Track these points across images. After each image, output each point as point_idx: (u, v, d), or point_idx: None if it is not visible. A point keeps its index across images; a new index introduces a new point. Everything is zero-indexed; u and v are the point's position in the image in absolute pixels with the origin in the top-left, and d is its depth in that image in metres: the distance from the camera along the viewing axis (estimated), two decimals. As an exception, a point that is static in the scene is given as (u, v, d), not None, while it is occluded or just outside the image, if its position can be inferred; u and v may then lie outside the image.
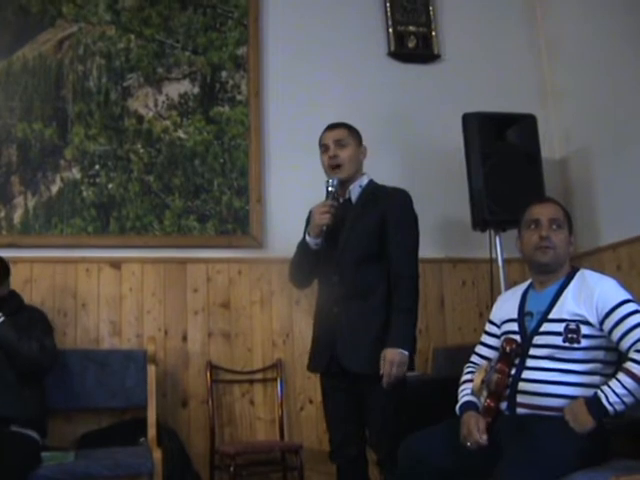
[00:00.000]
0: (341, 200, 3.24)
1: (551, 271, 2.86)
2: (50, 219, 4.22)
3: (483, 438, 2.63)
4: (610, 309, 2.62)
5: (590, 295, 2.69)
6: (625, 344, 2.57)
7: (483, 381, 2.78)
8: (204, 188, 4.46)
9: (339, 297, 3.16)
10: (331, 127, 3.35)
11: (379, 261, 3.19)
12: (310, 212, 3.42)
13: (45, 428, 3.52)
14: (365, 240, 3.19)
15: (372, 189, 3.31)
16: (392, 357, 3.01)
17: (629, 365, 2.51)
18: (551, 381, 2.66)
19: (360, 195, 3.29)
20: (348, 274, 3.17)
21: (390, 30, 4.93)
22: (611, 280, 2.75)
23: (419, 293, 3.20)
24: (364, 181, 3.32)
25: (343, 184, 3.26)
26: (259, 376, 4.35)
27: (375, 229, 3.19)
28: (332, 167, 3.25)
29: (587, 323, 2.66)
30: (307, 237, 3.21)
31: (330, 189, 3.19)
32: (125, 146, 4.39)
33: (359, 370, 3.09)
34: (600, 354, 2.67)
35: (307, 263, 3.31)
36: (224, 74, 4.62)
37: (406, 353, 3.04)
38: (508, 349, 2.77)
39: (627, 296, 2.66)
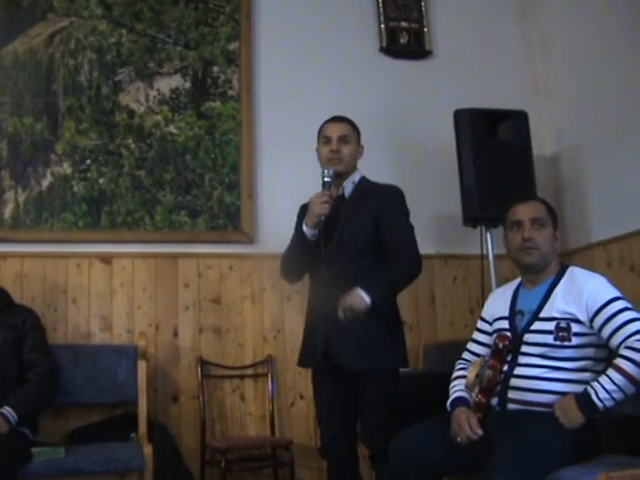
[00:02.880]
0: (334, 196, 3.21)
1: (539, 270, 2.87)
2: (41, 214, 4.20)
3: (478, 432, 2.65)
4: (600, 306, 2.64)
5: (580, 293, 2.70)
6: (615, 341, 2.58)
7: (477, 376, 2.79)
8: (195, 183, 4.45)
9: (333, 293, 3.12)
10: (336, 120, 3.34)
11: (373, 258, 3.19)
12: (301, 207, 3.42)
13: (37, 425, 3.52)
14: (360, 237, 3.19)
15: (364, 185, 3.32)
16: (357, 301, 2.97)
17: (619, 361, 2.53)
18: (542, 377, 2.68)
19: (353, 191, 3.29)
20: (343, 270, 3.16)
21: (382, 26, 4.92)
22: (600, 277, 2.77)
23: (410, 281, 3.23)
24: (356, 177, 3.32)
25: (337, 179, 3.24)
26: (250, 372, 4.35)
27: (370, 226, 3.19)
28: (331, 160, 3.24)
29: (577, 321, 2.68)
30: (304, 227, 3.18)
31: (326, 179, 3.17)
32: (116, 141, 4.38)
33: (354, 367, 3.08)
34: (590, 351, 2.69)
35: (302, 255, 3.28)
36: (216, 69, 4.61)
37: (369, 303, 2.98)
38: (501, 345, 2.78)
39: (616, 293, 2.68)
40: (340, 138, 3.27)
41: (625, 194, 4.19)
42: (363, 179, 3.34)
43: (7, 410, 3.24)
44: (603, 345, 2.68)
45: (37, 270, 4.14)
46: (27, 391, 3.42)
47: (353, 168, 3.32)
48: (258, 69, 4.68)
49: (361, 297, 2.98)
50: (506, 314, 2.89)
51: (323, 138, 3.31)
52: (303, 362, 3.37)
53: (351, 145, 3.29)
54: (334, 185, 3.23)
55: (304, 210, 3.33)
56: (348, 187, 3.29)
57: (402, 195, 3.30)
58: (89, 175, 4.31)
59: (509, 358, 2.79)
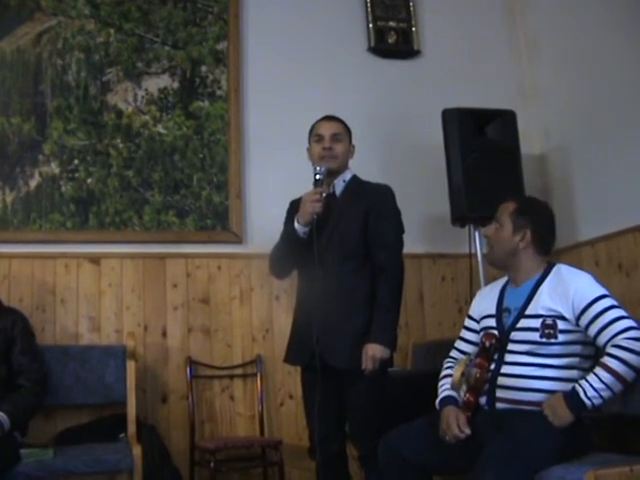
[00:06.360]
0: (324, 194, 3.19)
1: (502, 267, 2.95)
2: (29, 214, 4.19)
3: (466, 431, 2.65)
4: (586, 305, 2.64)
5: (566, 291, 2.71)
6: (602, 339, 2.59)
7: (463, 374, 2.80)
8: (184, 183, 4.44)
9: (322, 292, 3.14)
10: (328, 118, 3.35)
11: (363, 257, 3.19)
12: (290, 203, 3.42)
13: (26, 426, 3.51)
14: (350, 236, 3.19)
15: (355, 184, 3.32)
16: (373, 352, 3.02)
17: (606, 360, 2.54)
18: (530, 376, 2.68)
19: (344, 190, 3.30)
20: (332, 269, 3.16)
21: (370, 25, 4.93)
22: (587, 275, 2.78)
23: (403, 289, 3.20)
24: (347, 176, 3.32)
25: (328, 177, 3.24)
26: (239, 372, 4.35)
27: (360, 225, 3.19)
28: (323, 157, 3.24)
29: (563, 318, 2.69)
30: (296, 224, 3.17)
31: (318, 177, 3.16)
32: (104, 141, 4.37)
33: (341, 366, 3.09)
34: (577, 348, 2.70)
35: (292, 252, 3.28)
36: (204, 69, 4.61)
37: (387, 349, 3.05)
38: (488, 344, 2.79)
39: (603, 291, 2.68)
40: (333, 136, 3.27)
41: (613, 193, 4.21)
42: (354, 178, 3.34)
43: (1, 416, 3.23)
44: (590, 342, 2.68)
45: (25, 271, 4.12)
46: (21, 398, 3.41)
47: (344, 167, 3.32)
48: (246, 69, 4.68)
49: (377, 351, 3.03)
50: (493, 312, 2.90)
51: (315, 136, 3.31)
52: (291, 359, 3.37)
53: (343, 143, 3.30)
54: (325, 183, 3.22)
55: (294, 206, 3.33)
56: (339, 185, 3.30)
57: (392, 194, 3.30)
58: (77, 175, 4.29)
59: (496, 356, 2.79)
